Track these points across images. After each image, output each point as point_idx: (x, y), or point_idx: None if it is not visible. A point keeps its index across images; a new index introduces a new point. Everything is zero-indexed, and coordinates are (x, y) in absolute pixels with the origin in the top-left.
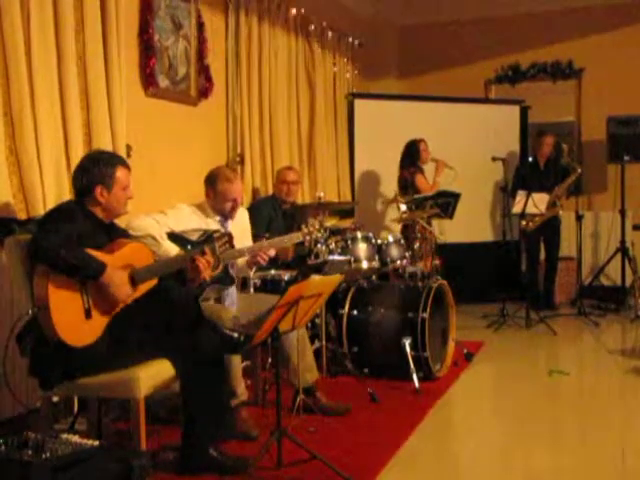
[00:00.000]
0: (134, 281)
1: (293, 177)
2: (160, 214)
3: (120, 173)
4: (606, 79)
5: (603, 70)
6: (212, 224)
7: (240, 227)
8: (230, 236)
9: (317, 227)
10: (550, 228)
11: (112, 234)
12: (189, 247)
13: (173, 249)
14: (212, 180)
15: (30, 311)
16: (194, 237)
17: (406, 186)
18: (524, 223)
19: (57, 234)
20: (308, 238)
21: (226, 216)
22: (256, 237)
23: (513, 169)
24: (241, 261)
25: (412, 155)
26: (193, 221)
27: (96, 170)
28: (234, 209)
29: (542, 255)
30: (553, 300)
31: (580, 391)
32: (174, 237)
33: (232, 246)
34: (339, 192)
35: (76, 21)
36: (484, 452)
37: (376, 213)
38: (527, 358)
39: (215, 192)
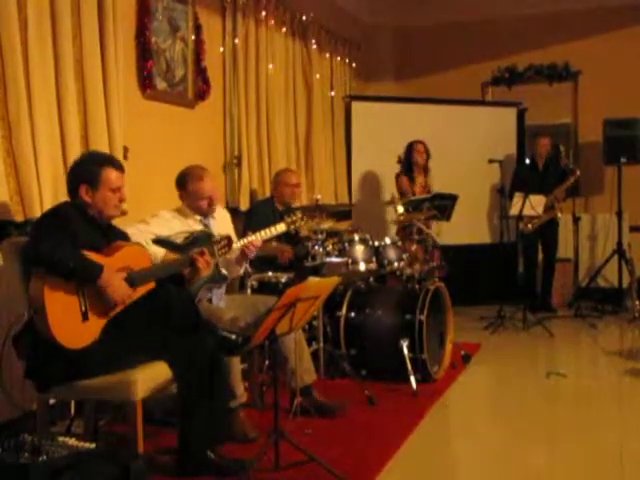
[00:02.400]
0: (131, 283)
1: (296, 180)
2: (141, 223)
3: (108, 174)
4: (602, 81)
5: (599, 72)
6: (194, 225)
7: (223, 228)
8: (230, 240)
9: (300, 216)
10: (548, 230)
11: (110, 236)
12: (177, 250)
13: (159, 253)
14: (182, 181)
15: (26, 313)
16: (179, 240)
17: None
18: (523, 225)
19: (52, 237)
20: (292, 227)
21: (205, 214)
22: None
23: (510, 171)
24: (230, 259)
25: (406, 156)
26: (175, 225)
27: (82, 169)
28: (210, 206)
29: (539, 257)
30: (550, 302)
31: (577, 393)
32: (160, 242)
33: (230, 249)
34: (336, 194)
35: (73, 24)
36: (482, 454)
37: (373, 215)
38: (524, 360)
39: (188, 192)
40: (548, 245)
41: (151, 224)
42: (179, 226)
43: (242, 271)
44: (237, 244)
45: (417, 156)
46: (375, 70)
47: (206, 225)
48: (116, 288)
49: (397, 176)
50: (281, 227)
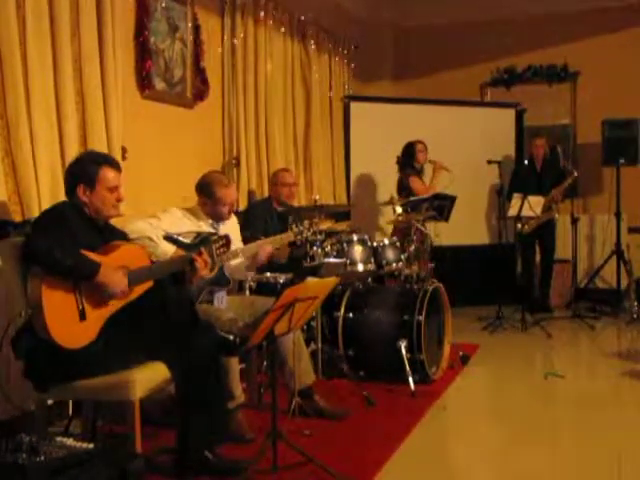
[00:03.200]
0: (128, 282)
1: (292, 179)
2: (153, 218)
3: (105, 173)
4: (601, 82)
5: (598, 73)
6: (204, 227)
7: (230, 231)
8: (228, 239)
9: (307, 226)
10: (545, 231)
11: (108, 236)
12: (185, 249)
13: (170, 250)
14: (207, 187)
15: (23, 312)
16: (189, 239)
17: (402, 188)
18: (520, 226)
19: (50, 236)
20: (299, 237)
21: (222, 219)
22: (251, 239)
23: (509, 172)
24: (237, 263)
25: (409, 157)
26: (185, 224)
27: (79, 169)
28: (230, 212)
29: (537, 258)
30: (548, 303)
31: (575, 394)
32: (169, 239)
33: (229, 249)
34: (335, 195)
35: (72, 23)
36: (480, 455)
37: (372, 215)
38: (522, 361)
39: (213, 199)
40: (546, 246)
41: (162, 220)
42: (189, 226)
43: (253, 274)
44: (247, 246)
45: (420, 156)
46: (374, 70)
47: (215, 229)
48: (115, 282)
49: (408, 177)
50: (288, 236)
